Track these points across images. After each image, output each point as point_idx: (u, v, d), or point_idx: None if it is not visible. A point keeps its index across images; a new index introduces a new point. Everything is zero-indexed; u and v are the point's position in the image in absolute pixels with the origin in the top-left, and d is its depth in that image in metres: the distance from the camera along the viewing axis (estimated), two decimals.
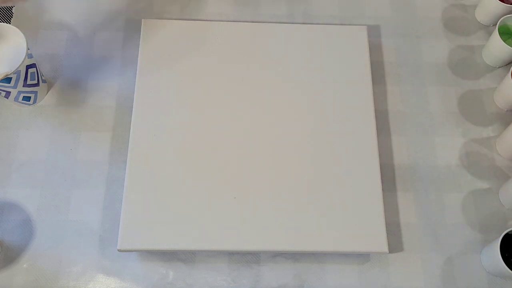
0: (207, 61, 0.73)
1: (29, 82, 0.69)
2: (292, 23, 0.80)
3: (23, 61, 0.65)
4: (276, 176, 0.66)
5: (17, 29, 0.66)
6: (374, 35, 0.81)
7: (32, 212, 0.68)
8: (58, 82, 0.75)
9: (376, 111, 0.73)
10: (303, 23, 0.81)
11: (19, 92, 0.69)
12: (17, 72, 0.66)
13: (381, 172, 0.68)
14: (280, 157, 0.67)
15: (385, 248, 0.64)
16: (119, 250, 0.62)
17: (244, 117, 0.70)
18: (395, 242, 0.68)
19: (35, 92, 0.72)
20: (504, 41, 0.74)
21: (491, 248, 0.65)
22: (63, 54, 0.77)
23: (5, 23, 0.67)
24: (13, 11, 0.80)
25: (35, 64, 0.70)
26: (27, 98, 0.71)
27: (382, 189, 0.67)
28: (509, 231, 0.64)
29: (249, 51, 0.73)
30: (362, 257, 0.68)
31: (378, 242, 0.64)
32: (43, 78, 0.73)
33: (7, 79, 0.66)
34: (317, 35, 0.75)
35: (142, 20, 0.75)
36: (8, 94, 0.69)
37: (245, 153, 0.67)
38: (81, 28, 0.79)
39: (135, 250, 0.64)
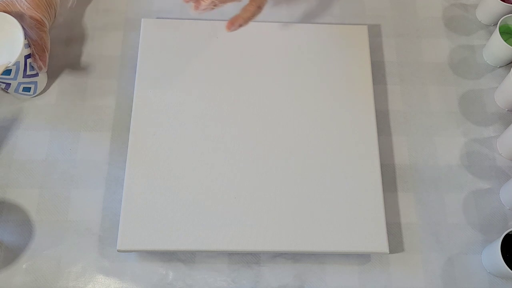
0: (207, 61, 0.72)
1: (28, 72, 0.68)
2: (292, 22, 0.80)
3: (21, 52, 0.64)
4: (277, 176, 0.66)
5: (12, 18, 0.65)
6: (374, 34, 0.81)
7: (31, 212, 0.68)
8: (57, 82, 0.75)
9: (376, 110, 0.73)
10: (303, 23, 0.80)
11: (19, 83, 0.69)
12: (16, 63, 0.65)
13: (381, 172, 0.68)
14: (281, 157, 0.67)
15: (385, 248, 0.63)
16: (119, 251, 0.62)
17: (244, 116, 0.69)
18: (395, 243, 0.68)
19: (35, 82, 0.71)
20: (505, 40, 0.74)
21: (492, 248, 0.65)
22: (63, 54, 0.77)
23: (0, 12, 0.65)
24: None
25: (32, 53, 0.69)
26: (27, 89, 0.71)
27: (383, 189, 0.66)
28: (510, 231, 0.64)
29: (249, 51, 0.73)
30: (362, 258, 0.68)
31: (379, 242, 0.64)
32: None
33: (7, 71, 0.65)
34: (318, 35, 0.75)
35: (142, 19, 0.75)
36: (8, 86, 0.69)
37: (246, 152, 0.67)
38: (81, 28, 0.79)
39: (134, 251, 0.64)
